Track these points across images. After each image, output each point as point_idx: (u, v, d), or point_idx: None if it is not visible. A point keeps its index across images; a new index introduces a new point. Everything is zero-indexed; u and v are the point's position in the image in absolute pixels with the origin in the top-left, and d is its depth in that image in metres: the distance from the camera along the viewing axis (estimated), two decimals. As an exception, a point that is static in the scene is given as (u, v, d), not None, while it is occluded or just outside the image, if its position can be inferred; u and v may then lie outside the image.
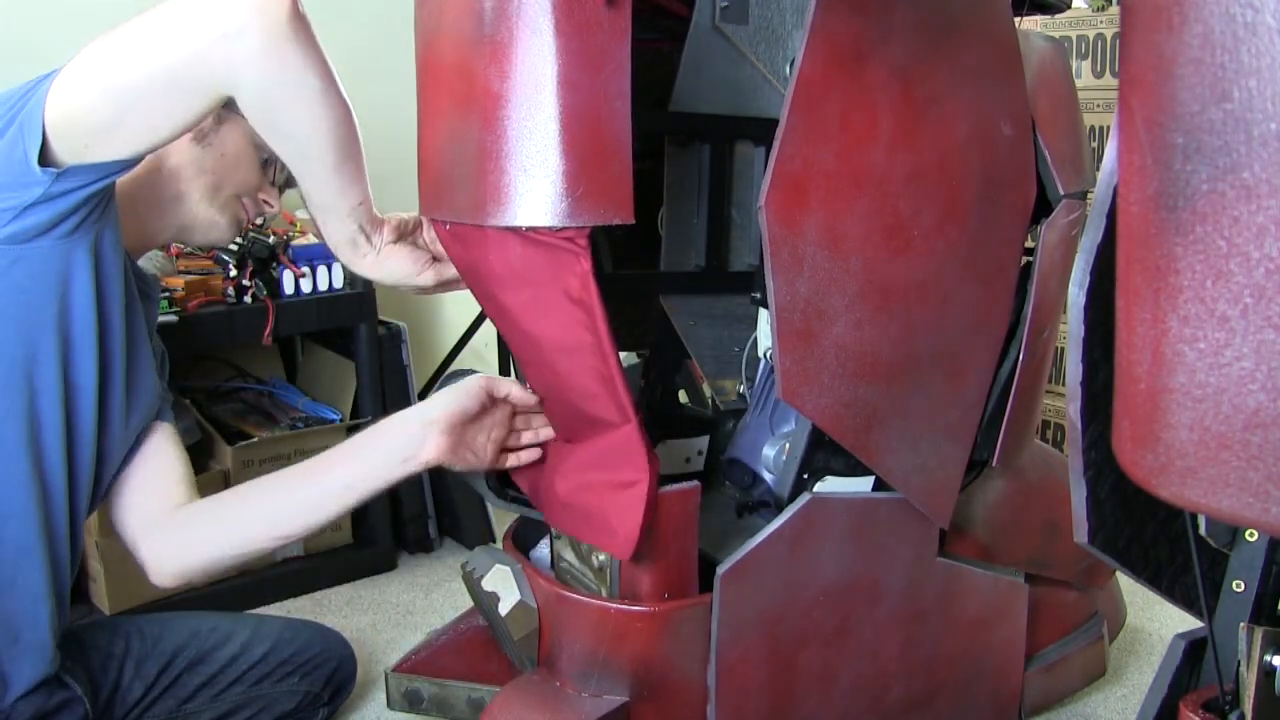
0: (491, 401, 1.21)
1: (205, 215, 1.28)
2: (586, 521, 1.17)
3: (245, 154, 1.30)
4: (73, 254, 1.06)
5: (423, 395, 2.23)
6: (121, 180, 1.20)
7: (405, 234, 1.20)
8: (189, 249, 1.84)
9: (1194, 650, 0.90)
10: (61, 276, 1.06)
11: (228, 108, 1.30)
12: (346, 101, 1.07)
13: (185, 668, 1.31)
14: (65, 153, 1.00)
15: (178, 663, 1.31)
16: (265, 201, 1.35)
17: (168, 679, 1.30)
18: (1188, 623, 0.93)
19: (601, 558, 1.21)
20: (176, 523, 1.22)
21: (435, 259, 1.21)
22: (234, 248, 1.82)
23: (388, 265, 1.18)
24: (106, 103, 0.99)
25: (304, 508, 1.20)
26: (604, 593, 1.22)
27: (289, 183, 1.42)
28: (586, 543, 1.22)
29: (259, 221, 1.42)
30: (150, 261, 1.80)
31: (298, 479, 1.22)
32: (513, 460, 1.25)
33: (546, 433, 1.26)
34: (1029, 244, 1.28)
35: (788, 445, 1.26)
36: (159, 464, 1.25)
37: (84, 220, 1.05)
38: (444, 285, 1.22)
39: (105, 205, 1.08)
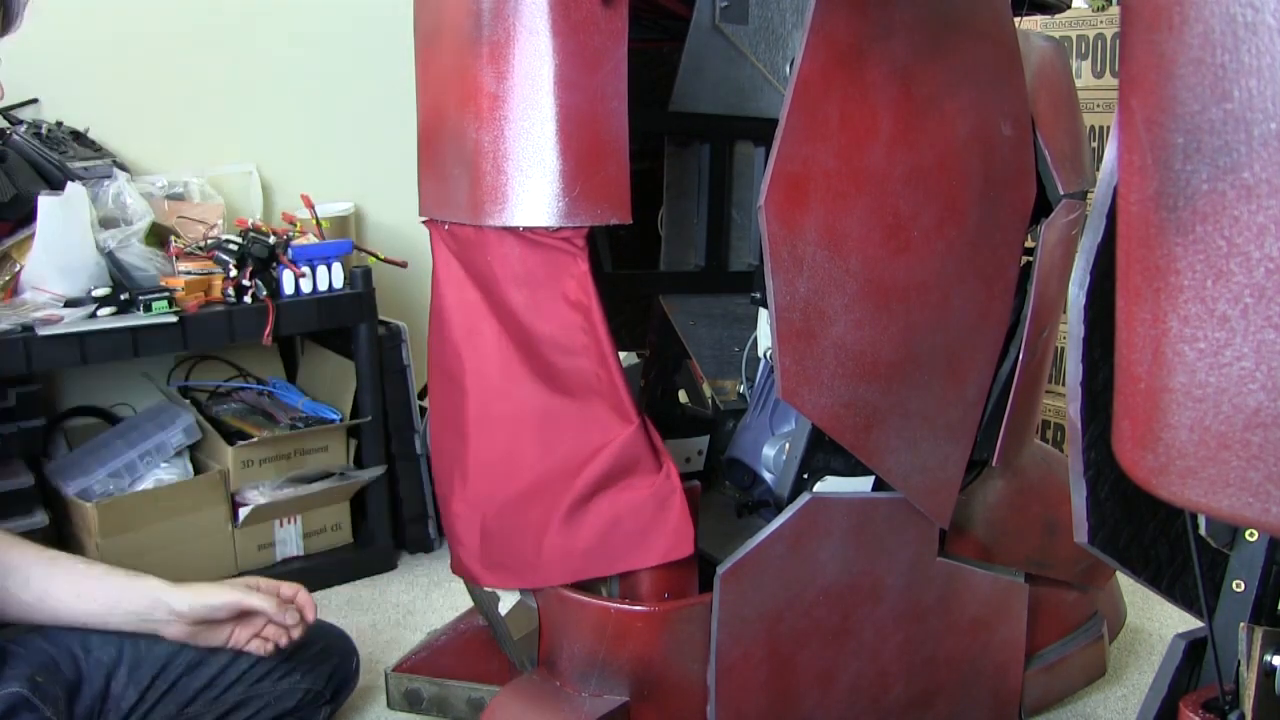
0: (241, 616, 1.26)
1: None
2: (618, 549, 1.15)
3: None
4: None
5: (423, 395, 2.23)
6: None
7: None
8: (189, 249, 1.84)
9: (1194, 650, 0.90)
10: None
11: None
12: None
13: (183, 671, 1.30)
14: None
15: (174, 666, 1.29)
16: None
17: (164, 683, 1.28)
18: (1188, 623, 0.92)
19: (601, 558, 1.21)
20: None
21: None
22: (234, 248, 1.83)
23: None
24: None
25: (57, 609, 1.24)
26: (604, 592, 1.21)
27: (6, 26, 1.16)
28: (625, 571, 1.18)
29: None
30: (149, 261, 1.80)
31: (64, 583, 1.24)
32: (253, 647, 1.30)
33: (294, 633, 1.31)
34: (1029, 244, 1.28)
35: (788, 445, 1.26)
36: None
37: None
38: None
39: None
